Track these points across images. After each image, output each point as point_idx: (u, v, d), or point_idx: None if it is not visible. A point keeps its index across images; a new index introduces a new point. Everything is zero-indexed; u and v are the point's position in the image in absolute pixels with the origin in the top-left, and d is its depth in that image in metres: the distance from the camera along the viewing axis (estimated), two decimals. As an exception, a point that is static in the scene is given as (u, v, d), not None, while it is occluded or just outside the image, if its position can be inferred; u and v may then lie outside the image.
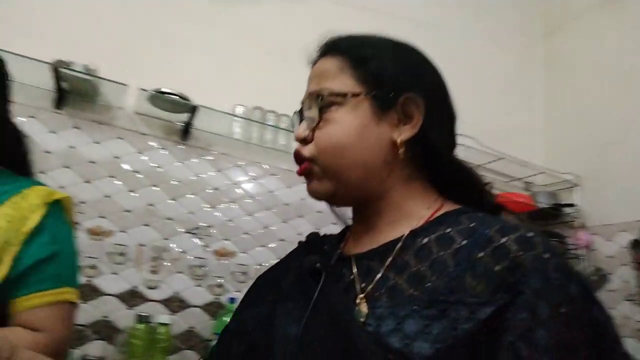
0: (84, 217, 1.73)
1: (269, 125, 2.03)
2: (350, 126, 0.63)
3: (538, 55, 2.93)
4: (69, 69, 1.63)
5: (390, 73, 0.65)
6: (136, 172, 1.84)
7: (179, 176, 1.91)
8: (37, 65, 1.61)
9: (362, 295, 0.59)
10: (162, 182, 1.88)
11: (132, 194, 1.82)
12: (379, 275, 0.60)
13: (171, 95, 1.77)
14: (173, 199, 1.89)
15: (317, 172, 0.65)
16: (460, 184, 0.67)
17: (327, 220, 2.10)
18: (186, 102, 1.80)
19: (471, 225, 0.59)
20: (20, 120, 1.69)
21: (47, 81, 1.70)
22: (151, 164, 1.87)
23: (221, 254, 1.93)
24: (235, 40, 2.13)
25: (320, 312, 0.58)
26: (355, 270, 0.63)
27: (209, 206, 1.94)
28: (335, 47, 0.69)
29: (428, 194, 0.67)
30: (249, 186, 2.04)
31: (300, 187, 2.09)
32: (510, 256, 0.52)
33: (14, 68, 1.61)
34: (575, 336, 0.49)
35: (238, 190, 2.01)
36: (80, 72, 1.64)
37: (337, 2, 2.39)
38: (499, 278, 0.52)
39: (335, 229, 0.80)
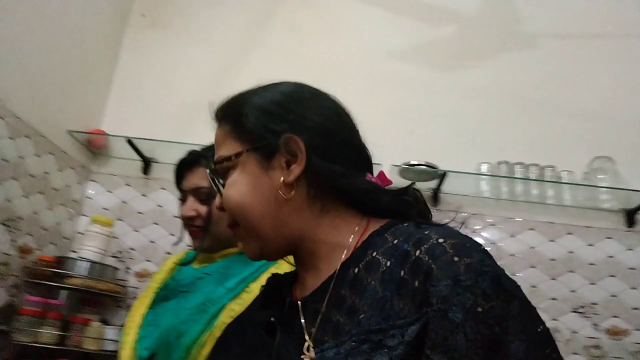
0: (599, 317, 1.83)
1: (516, 178, 1.96)
2: (243, 185, 0.64)
3: None
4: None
5: (262, 122, 0.65)
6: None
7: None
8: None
9: (308, 342, 0.58)
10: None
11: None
12: (320, 316, 0.59)
13: (420, 166, 1.86)
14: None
15: (242, 234, 0.66)
16: (376, 201, 0.63)
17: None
18: (434, 169, 1.87)
19: (394, 242, 0.57)
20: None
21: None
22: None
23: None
24: (467, 101, 2.16)
25: None
26: (302, 316, 0.62)
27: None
28: (219, 115, 0.71)
29: (350, 220, 0.64)
30: (505, 244, 1.96)
31: (565, 239, 1.92)
32: (424, 268, 0.50)
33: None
34: (497, 332, 0.46)
35: (493, 249, 1.95)
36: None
37: (567, 36, 2.24)
38: (420, 293, 0.50)
39: None
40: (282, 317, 0.64)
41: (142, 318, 0.93)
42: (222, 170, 0.67)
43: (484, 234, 1.97)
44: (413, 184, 0.67)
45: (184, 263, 1.10)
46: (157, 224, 2.04)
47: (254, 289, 0.97)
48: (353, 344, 0.52)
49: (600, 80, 2.15)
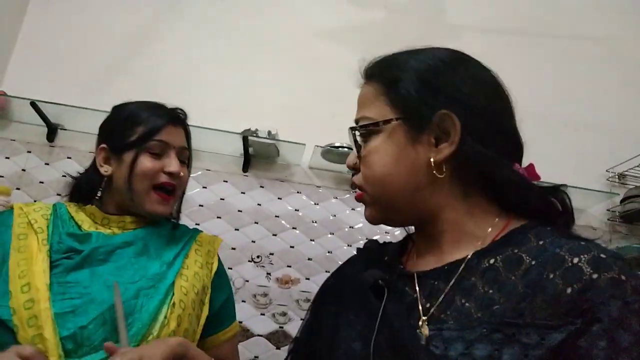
0: (273, 267, 1.89)
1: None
2: (387, 154, 0.62)
3: None
4: (255, 136, 1.83)
5: (419, 93, 0.62)
6: (314, 222, 1.97)
7: (351, 222, 2.00)
8: (229, 136, 1.84)
9: (424, 318, 0.58)
10: (338, 230, 1.98)
11: (312, 242, 1.95)
12: (442, 296, 0.58)
13: (342, 148, 1.88)
14: (349, 245, 1.97)
15: (368, 200, 0.66)
16: (522, 198, 0.61)
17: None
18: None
19: (540, 243, 0.56)
20: (216, 185, 1.94)
21: (236, 149, 1.94)
22: (326, 213, 1.99)
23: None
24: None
25: (384, 332, 0.57)
26: (418, 289, 0.62)
27: (381, 249, 1.99)
28: (371, 73, 0.69)
29: (489, 211, 0.63)
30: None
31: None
32: (584, 278, 0.49)
33: (208, 141, 1.88)
34: None
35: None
36: (264, 138, 1.83)
37: (488, 30, 2.36)
38: (571, 301, 0.49)
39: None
40: (390, 283, 0.62)
41: (48, 287, 0.84)
42: (365, 132, 0.64)
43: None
44: (564, 186, 0.63)
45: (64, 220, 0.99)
46: (59, 194, 1.89)
47: (189, 264, 1.00)
48: (484, 330, 0.51)
49: (513, 75, 2.29)
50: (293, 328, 1.83)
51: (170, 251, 1.00)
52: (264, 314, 1.83)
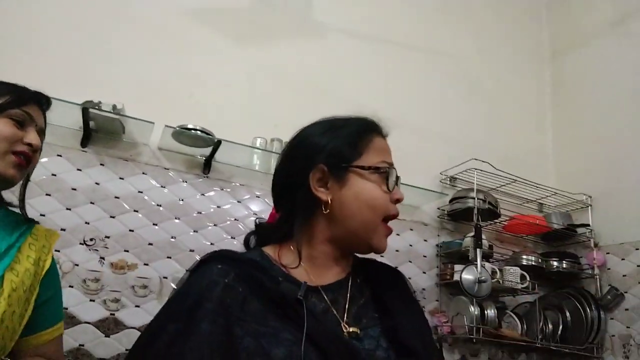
0: (107, 251, 1.77)
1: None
2: None
3: (547, 79, 2.99)
4: (98, 109, 1.68)
5: None
6: (159, 205, 1.89)
7: (200, 208, 1.96)
8: (66, 106, 1.67)
9: (346, 320, 0.77)
10: (185, 215, 1.92)
11: (155, 227, 1.86)
12: (345, 304, 0.78)
13: (195, 131, 1.82)
14: (195, 231, 1.93)
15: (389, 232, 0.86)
16: None
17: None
18: (209, 136, 1.85)
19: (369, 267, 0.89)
20: (49, 158, 1.75)
21: (75, 121, 1.77)
22: (173, 197, 1.92)
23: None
24: (253, 76, 2.21)
25: (312, 336, 0.68)
26: (326, 298, 0.78)
27: (229, 236, 1.98)
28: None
29: None
30: (267, 215, 2.07)
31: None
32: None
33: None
34: None
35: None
36: (107, 112, 1.69)
37: (351, 34, 2.47)
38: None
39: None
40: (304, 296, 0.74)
41: None
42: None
43: (249, 204, 2.05)
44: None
45: None
46: None
47: (21, 259, 0.96)
48: (379, 330, 0.79)
49: (372, 80, 2.43)
50: (126, 315, 1.73)
51: (2, 241, 0.94)
52: (93, 300, 1.71)
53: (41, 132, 1.05)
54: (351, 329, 0.75)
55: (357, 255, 0.89)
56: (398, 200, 0.83)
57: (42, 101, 1.08)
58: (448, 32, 2.77)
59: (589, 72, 2.75)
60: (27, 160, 0.99)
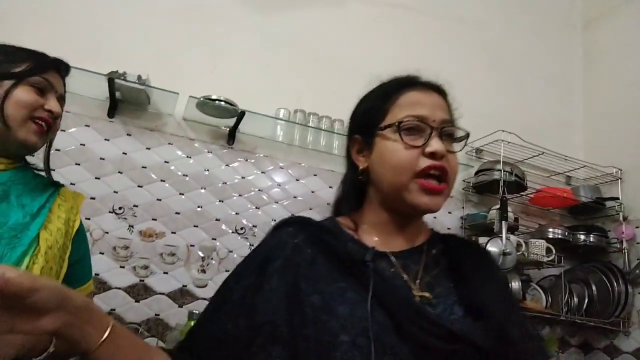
0: (136, 219, 1.81)
1: (311, 127, 2.08)
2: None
3: (577, 49, 2.89)
4: (123, 79, 1.70)
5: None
6: (185, 175, 1.91)
7: (225, 178, 1.98)
8: (93, 77, 1.70)
9: (418, 284, 0.74)
10: (210, 185, 1.95)
11: (182, 196, 1.89)
12: (420, 273, 0.76)
13: (219, 102, 1.83)
14: (220, 201, 1.95)
15: (445, 192, 0.77)
16: None
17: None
18: (233, 107, 1.86)
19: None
20: (77, 129, 1.79)
21: (101, 92, 1.79)
22: (199, 168, 1.94)
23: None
24: (277, 47, 2.19)
25: (377, 297, 0.68)
26: (397, 265, 0.76)
27: (253, 207, 2.00)
28: (445, 91, 0.87)
29: None
30: (291, 186, 2.08)
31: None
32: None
33: (70, 81, 1.72)
34: None
35: (280, 191, 2.06)
36: (133, 82, 1.71)
37: (371, 2, 2.41)
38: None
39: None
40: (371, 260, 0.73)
41: None
42: (457, 138, 0.82)
43: (273, 175, 2.07)
44: None
45: None
46: None
47: (53, 218, 0.99)
48: (455, 299, 0.75)
49: (393, 49, 2.39)
50: (154, 281, 1.78)
51: (34, 201, 0.97)
52: (123, 267, 1.76)
53: (61, 99, 1.06)
54: (424, 294, 0.73)
55: (436, 232, 0.87)
56: (433, 154, 0.74)
57: (62, 68, 1.08)
58: (476, 4, 2.68)
59: (621, 42, 2.64)
60: (47, 127, 1.01)
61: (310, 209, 2.08)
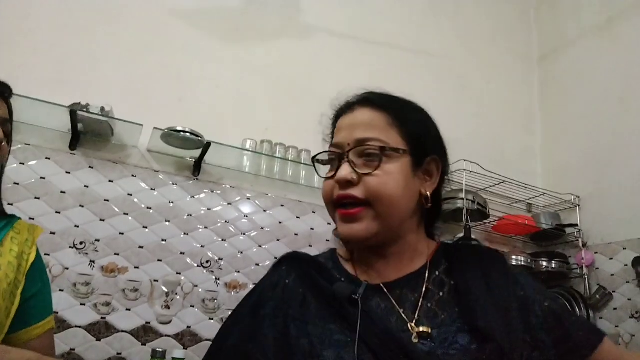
0: (98, 254, 1.76)
1: (278, 157, 2.08)
2: (401, 179, 0.72)
3: (534, 80, 3.02)
4: (86, 111, 1.68)
5: (424, 136, 0.77)
6: (149, 208, 1.88)
7: (190, 210, 1.95)
8: (55, 108, 1.67)
9: (416, 318, 0.70)
10: (175, 217, 1.92)
11: (145, 230, 1.86)
12: (414, 301, 0.72)
13: (184, 133, 1.82)
14: (185, 234, 1.92)
15: (370, 215, 0.71)
16: (435, 223, 0.85)
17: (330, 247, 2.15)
18: (199, 138, 1.85)
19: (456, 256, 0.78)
20: (37, 161, 1.74)
21: (63, 124, 1.76)
22: (163, 200, 1.91)
23: (232, 286, 1.95)
24: (243, 77, 2.21)
25: (366, 337, 0.65)
26: (391, 297, 0.73)
27: (220, 239, 1.98)
28: (379, 103, 0.77)
29: (424, 235, 0.81)
30: (258, 217, 2.07)
31: (309, 217, 2.13)
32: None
33: (31, 112, 1.69)
34: None
35: (247, 222, 2.04)
36: (96, 114, 1.69)
37: (340, 35, 2.48)
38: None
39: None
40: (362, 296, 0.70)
41: None
42: (377, 152, 0.71)
43: (240, 206, 2.05)
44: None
45: None
46: None
47: (4, 252, 0.94)
48: (459, 325, 0.68)
49: (361, 81, 2.43)
50: (116, 319, 1.73)
51: None
52: (84, 304, 1.70)
53: (6, 122, 1.01)
54: (421, 329, 0.68)
55: (446, 242, 0.83)
56: (338, 182, 0.72)
57: (4, 90, 1.03)
58: (436, 33, 2.79)
59: (576, 74, 2.78)
60: None
61: (278, 240, 2.07)
